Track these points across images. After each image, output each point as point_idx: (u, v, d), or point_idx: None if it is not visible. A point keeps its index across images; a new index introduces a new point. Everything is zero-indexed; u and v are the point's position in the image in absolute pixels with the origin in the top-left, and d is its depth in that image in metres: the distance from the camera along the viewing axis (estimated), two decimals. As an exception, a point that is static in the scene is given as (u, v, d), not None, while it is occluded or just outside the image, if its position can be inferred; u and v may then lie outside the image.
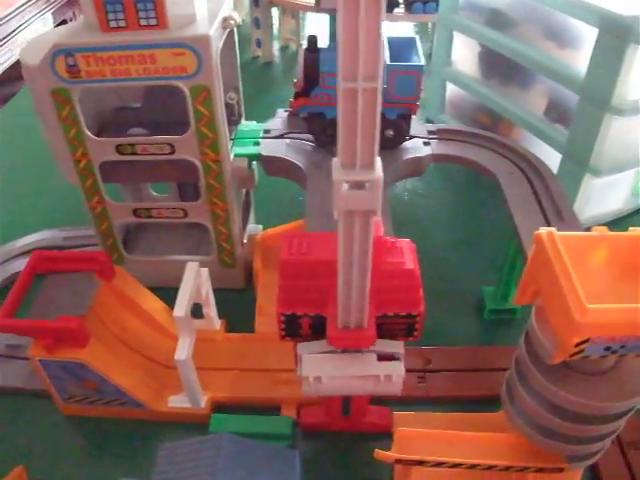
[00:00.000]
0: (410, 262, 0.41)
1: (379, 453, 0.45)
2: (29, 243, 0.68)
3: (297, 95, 0.56)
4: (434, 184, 0.78)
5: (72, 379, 0.51)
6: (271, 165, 0.55)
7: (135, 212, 0.58)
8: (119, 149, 0.54)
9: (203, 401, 0.53)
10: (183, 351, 0.48)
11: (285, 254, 0.41)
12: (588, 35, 0.60)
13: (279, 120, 0.60)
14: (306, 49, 0.55)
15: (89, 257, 0.54)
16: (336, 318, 0.40)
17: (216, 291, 0.57)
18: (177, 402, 0.53)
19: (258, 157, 0.56)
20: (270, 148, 0.56)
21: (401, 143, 0.56)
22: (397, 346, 0.43)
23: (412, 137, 0.56)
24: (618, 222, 0.70)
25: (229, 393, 0.54)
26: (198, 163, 0.53)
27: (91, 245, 0.66)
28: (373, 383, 0.42)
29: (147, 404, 0.53)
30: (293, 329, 0.42)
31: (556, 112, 0.65)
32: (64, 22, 1.85)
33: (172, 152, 0.53)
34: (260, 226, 0.64)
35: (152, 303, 0.57)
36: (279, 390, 0.53)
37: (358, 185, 0.31)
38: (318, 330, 0.42)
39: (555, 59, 0.64)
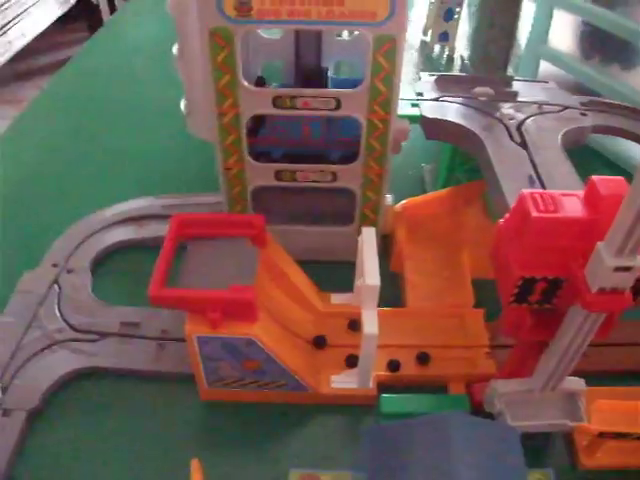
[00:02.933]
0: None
1: (582, 426, 0.42)
2: (123, 212, 0.59)
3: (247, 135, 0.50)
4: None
5: (231, 359, 0.44)
6: (435, 128, 0.49)
7: (277, 175, 0.51)
8: (276, 102, 0.46)
9: (371, 381, 0.47)
10: (373, 325, 0.42)
11: (534, 211, 0.36)
12: None
13: (428, 84, 0.54)
14: None
15: (243, 220, 0.46)
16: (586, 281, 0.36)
17: (350, 264, 0.53)
18: (342, 382, 0.46)
19: (419, 119, 0.51)
20: (432, 110, 0.50)
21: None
22: (579, 382, 0.42)
23: (567, 108, 0.53)
24: None
25: (390, 371, 0.48)
26: (363, 121, 0.47)
27: (197, 214, 0.58)
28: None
29: (310, 386, 0.46)
30: (524, 295, 0.38)
31: (668, 92, 0.64)
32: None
33: (337, 108, 0.46)
34: (389, 195, 0.58)
35: (298, 276, 0.49)
36: (444, 367, 0.47)
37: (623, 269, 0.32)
38: (548, 295, 0.38)
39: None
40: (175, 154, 0.72)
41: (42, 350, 0.49)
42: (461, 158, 0.56)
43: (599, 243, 0.34)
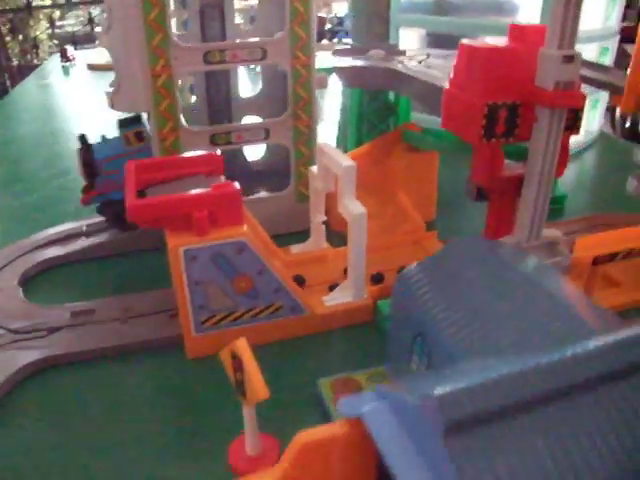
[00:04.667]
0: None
1: (577, 258, 0.44)
2: (54, 233, 0.56)
3: (86, 189, 0.54)
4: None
5: (221, 279, 0.39)
6: (349, 75, 0.53)
7: (212, 139, 0.51)
8: (207, 57, 0.48)
9: (366, 289, 0.45)
10: (358, 205, 0.42)
11: (479, 45, 0.41)
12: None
13: (326, 55, 0.59)
14: (80, 148, 0.54)
15: (200, 159, 0.45)
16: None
17: (294, 235, 0.53)
18: (336, 299, 0.44)
19: (332, 70, 0.54)
20: (342, 63, 0.55)
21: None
22: (555, 231, 0.45)
23: (448, 55, 0.60)
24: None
25: (374, 283, 0.46)
26: (288, 68, 0.50)
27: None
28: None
29: (306, 305, 0.42)
30: (492, 126, 0.41)
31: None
32: None
33: (264, 57, 0.49)
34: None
35: (258, 225, 0.48)
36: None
37: (569, 59, 0.38)
38: (510, 125, 0.42)
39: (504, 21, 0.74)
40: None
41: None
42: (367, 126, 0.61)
43: (541, 48, 0.39)
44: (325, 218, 0.49)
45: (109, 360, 0.42)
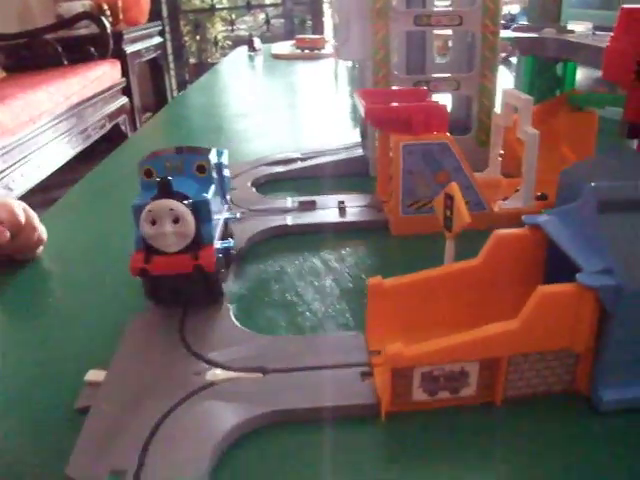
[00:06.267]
0: None
1: None
2: (276, 157, 0.75)
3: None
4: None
5: (427, 172, 0.55)
6: (527, 44, 0.68)
7: (415, 85, 0.67)
8: (417, 20, 0.65)
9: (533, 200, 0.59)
10: (532, 129, 0.56)
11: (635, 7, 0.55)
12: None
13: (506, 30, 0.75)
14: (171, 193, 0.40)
15: (409, 91, 0.62)
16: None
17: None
18: (510, 204, 0.58)
19: (513, 40, 0.70)
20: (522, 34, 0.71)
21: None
22: None
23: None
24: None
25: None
26: (478, 34, 0.66)
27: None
28: None
29: (488, 203, 0.57)
30: (644, 73, 0.54)
31: None
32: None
33: (460, 23, 0.66)
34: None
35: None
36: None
37: None
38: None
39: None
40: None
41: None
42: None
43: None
44: (502, 152, 0.64)
45: (328, 233, 0.58)
